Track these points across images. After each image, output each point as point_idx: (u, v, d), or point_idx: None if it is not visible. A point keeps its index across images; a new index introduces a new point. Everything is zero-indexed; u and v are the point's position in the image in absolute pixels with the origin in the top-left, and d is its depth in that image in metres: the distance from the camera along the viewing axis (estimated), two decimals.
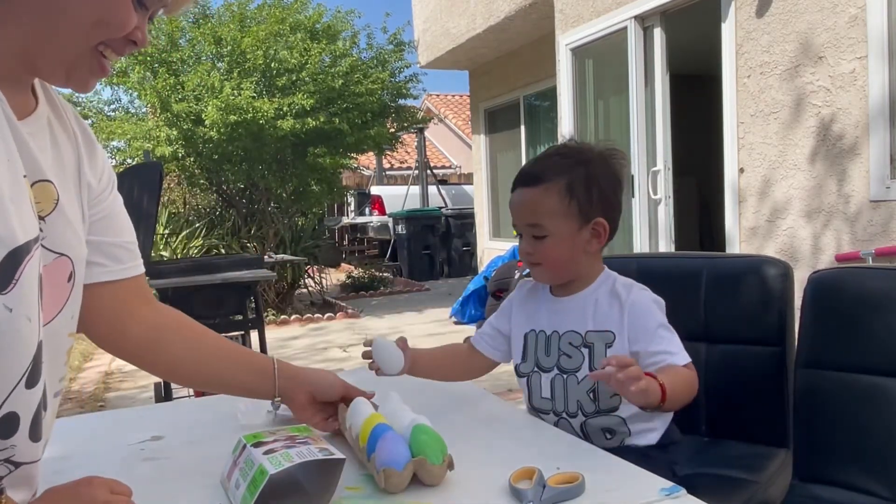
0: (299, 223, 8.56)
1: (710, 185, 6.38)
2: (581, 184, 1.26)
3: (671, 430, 1.34)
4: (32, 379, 0.79)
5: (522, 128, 8.18)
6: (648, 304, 1.27)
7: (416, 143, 13.27)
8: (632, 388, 1.02)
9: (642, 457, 1.25)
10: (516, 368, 1.38)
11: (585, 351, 1.27)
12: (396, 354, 1.30)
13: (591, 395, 1.27)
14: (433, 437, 0.97)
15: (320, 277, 8.74)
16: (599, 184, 1.28)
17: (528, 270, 1.36)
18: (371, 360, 1.31)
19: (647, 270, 1.41)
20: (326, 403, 1.20)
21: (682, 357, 1.22)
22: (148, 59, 6.85)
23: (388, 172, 15.94)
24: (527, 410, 1.40)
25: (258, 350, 3.51)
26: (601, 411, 1.28)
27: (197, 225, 7.63)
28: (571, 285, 1.34)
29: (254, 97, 6.51)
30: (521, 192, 1.31)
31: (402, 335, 1.35)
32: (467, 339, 1.48)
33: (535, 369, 1.34)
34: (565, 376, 1.30)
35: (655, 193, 4.70)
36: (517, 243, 1.36)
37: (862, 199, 3.42)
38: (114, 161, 7.50)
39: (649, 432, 1.31)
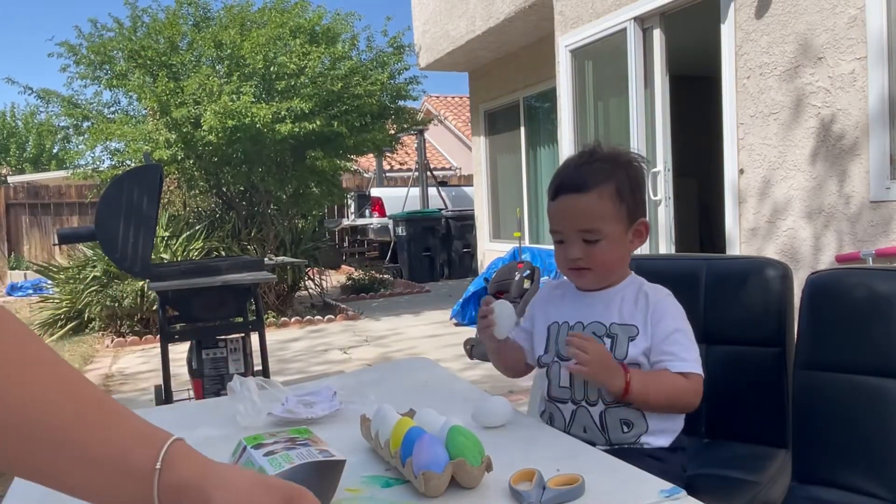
0: (299, 225, 8.55)
1: (711, 186, 6.38)
2: (627, 187, 1.33)
3: (681, 437, 1.35)
4: None
5: (522, 129, 8.19)
6: (673, 308, 1.33)
7: (415, 145, 13.27)
8: (572, 363, 1.19)
9: (654, 460, 1.26)
10: (539, 360, 1.40)
11: (608, 341, 1.31)
12: (512, 319, 1.35)
13: None
14: (471, 438, 0.96)
15: (320, 279, 8.73)
16: (639, 185, 1.37)
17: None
18: (484, 318, 1.35)
19: (645, 272, 1.41)
20: None
21: (689, 365, 1.27)
22: (148, 62, 6.85)
23: (388, 174, 15.93)
24: (529, 412, 1.40)
25: (259, 353, 3.47)
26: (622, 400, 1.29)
27: (197, 227, 7.62)
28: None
29: (252, 102, 6.51)
30: (571, 198, 1.33)
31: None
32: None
33: (556, 359, 1.36)
34: None
35: (656, 195, 4.70)
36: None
37: (862, 199, 3.42)
38: (113, 162, 7.50)
39: (665, 433, 1.32)
